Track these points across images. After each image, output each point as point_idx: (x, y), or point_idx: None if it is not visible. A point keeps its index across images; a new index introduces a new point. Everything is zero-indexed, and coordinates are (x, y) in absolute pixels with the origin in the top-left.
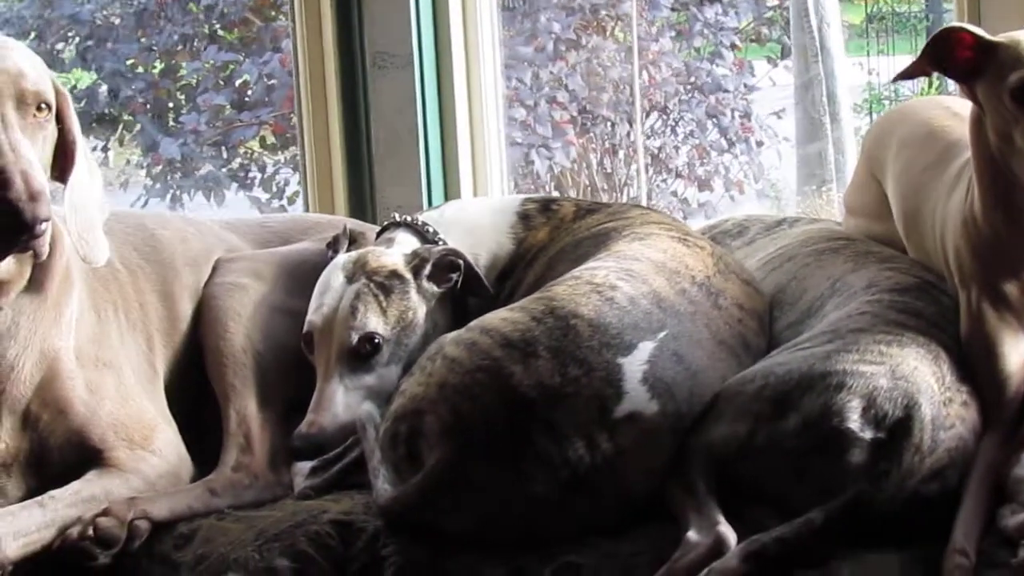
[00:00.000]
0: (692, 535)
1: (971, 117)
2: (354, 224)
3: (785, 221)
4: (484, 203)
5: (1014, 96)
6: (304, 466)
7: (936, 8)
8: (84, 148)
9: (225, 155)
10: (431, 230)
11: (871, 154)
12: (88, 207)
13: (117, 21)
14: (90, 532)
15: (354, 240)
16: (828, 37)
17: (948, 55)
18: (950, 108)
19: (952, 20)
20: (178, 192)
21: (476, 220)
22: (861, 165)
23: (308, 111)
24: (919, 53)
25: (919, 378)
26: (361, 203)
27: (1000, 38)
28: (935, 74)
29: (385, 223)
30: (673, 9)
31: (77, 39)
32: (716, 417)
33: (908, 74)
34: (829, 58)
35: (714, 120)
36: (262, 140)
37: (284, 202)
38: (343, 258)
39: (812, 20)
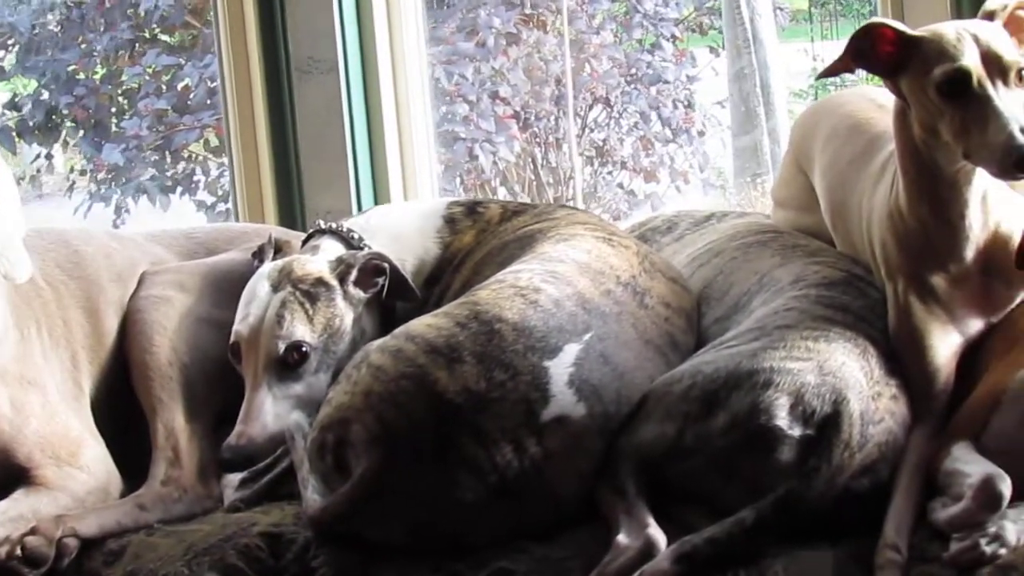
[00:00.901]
0: (622, 538)
1: (895, 110)
2: (280, 232)
3: (714, 216)
4: (410, 208)
5: (939, 89)
6: (234, 478)
7: None
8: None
9: (169, 159)
10: (356, 236)
11: (798, 147)
12: (6, 223)
13: (56, 28)
14: (18, 552)
15: (280, 249)
16: (760, 27)
17: (870, 50)
18: (875, 100)
19: (878, 11)
20: (122, 197)
21: (402, 225)
22: (788, 158)
23: (235, 118)
24: (842, 50)
25: (847, 373)
26: (290, 210)
27: (922, 32)
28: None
29: (310, 231)
30: (612, 0)
31: (17, 47)
32: (644, 418)
33: (831, 71)
34: (762, 48)
35: (657, 111)
36: (206, 143)
37: (230, 205)
38: (268, 267)
39: (744, 11)
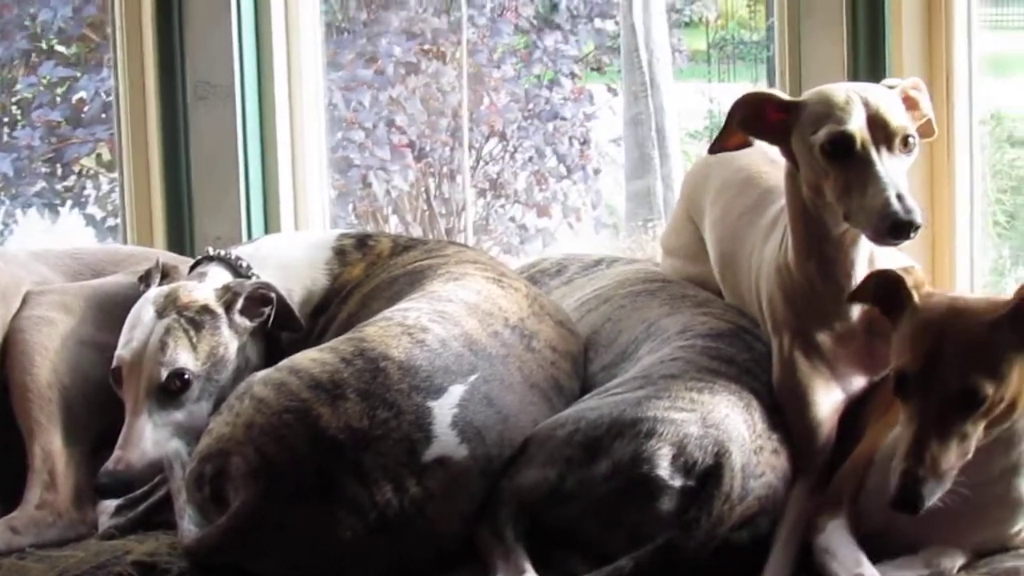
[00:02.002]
0: None
1: (786, 169)
2: (168, 257)
3: (603, 261)
4: (300, 238)
5: (824, 149)
6: (109, 504)
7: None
8: None
9: (60, 172)
10: (244, 265)
11: (689, 197)
12: None
13: None
14: None
15: (167, 274)
16: (658, 71)
17: (760, 119)
18: (768, 154)
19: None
20: (10, 208)
21: (291, 255)
22: (679, 207)
23: (128, 140)
24: (724, 122)
25: (730, 426)
26: (179, 234)
27: (807, 95)
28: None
29: (198, 257)
30: (514, 34)
31: None
32: (527, 461)
33: (722, 146)
34: (659, 92)
35: (553, 147)
36: (98, 157)
37: (119, 221)
38: (154, 292)
39: (642, 54)
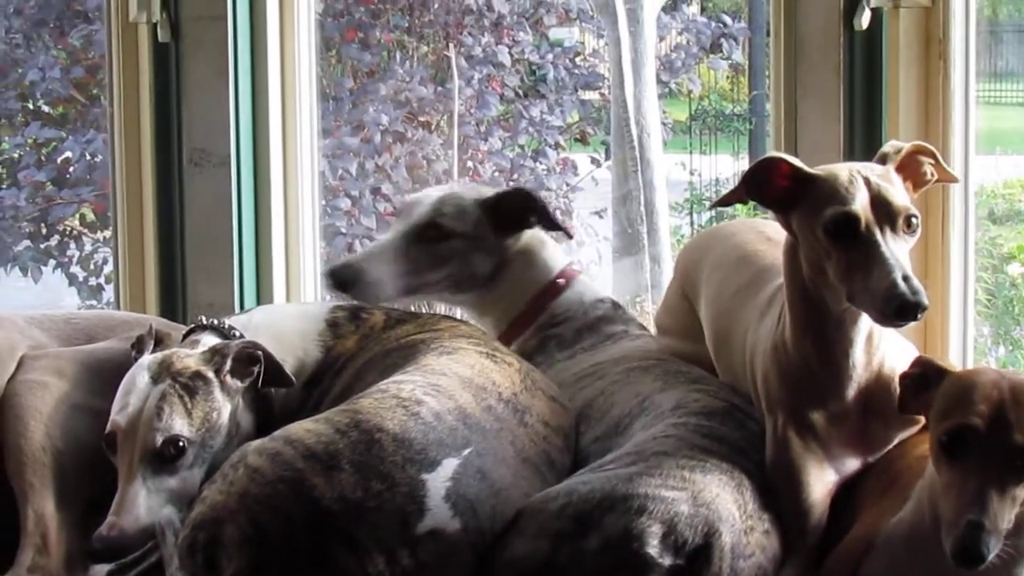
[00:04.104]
0: None
1: (785, 245)
2: (160, 324)
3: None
4: (293, 309)
5: (827, 230)
6: (101, 570)
7: (759, 111)
8: None
9: (44, 231)
10: (237, 334)
11: (684, 275)
12: None
13: None
14: None
15: (160, 340)
16: (649, 147)
17: (766, 183)
18: (763, 232)
19: (771, 137)
20: None
21: (284, 326)
22: (673, 285)
23: (123, 206)
24: (738, 181)
25: (721, 505)
26: (172, 301)
27: (818, 170)
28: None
29: (191, 325)
30: (500, 103)
31: None
32: (518, 533)
33: (726, 201)
34: (649, 168)
35: None
36: (82, 217)
37: (102, 280)
38: (148, 359)
39: (633, 129)
